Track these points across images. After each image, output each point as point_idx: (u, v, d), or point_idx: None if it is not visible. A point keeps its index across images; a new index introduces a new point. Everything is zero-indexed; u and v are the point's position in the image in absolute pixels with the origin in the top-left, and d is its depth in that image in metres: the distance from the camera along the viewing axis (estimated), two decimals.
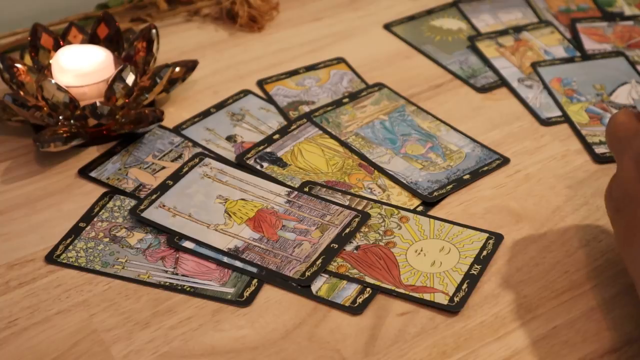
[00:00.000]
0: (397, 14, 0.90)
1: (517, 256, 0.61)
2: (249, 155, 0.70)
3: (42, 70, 0.74)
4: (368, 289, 0.58)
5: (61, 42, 0.76)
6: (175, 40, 0.85)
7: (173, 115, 0.75)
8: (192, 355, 0.54)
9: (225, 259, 0.60)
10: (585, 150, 0.71)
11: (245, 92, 0.78)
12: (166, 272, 0.60)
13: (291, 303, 0.58)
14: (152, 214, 0.64)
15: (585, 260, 0.60)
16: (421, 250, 0.61)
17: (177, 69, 0.76)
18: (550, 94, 0.77)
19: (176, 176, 0.68)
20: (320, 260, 0.60)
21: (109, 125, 0.71)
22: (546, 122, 0.74)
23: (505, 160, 0.69)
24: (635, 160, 0.51)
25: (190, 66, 0.77)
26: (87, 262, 0.61)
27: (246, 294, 0.58)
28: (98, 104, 0.69)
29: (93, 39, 0.77)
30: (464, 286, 0.58)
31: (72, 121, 0.70)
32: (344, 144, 0.71)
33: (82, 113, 0.69)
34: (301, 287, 0.58)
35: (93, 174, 0.69)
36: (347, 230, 0.62)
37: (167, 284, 0.59)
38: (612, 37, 0.84)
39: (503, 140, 0.72)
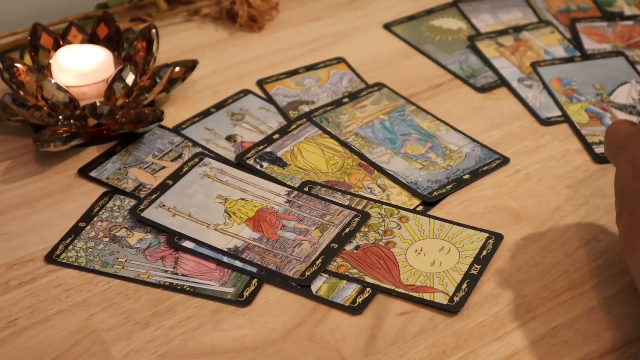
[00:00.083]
0: (397, 14, 0.90)
1: (517, 256, 0.61)
2: (249, 155, 0.70)
3: (42, 70, 0.74)
4: (368, 289, 0.58)
5: (61, 42, 0.76)
6: (175, 40, 0.85)
7: (173, 115, 0.75)
8: (192, 355, 0.54)
9: (225, 259, 0.60)
10: (585, 150, 0.71)
11: (245, 92, 0.78)
12: (166, 272, 0.60)
13: (291, 303, 0.58)
14: (152, 214, 0.64)
15: (585, 260, 0.60)
16: (421, 250, 0.61)
17: (177, 69, 0.76)
18: (550, 94, 0.77)
19: (176, 176, 0.68)
20: (320, 260, 0.60)
21: (109, 125, 0.71)
22: (546, 122, 0.74)
23: (505, 160, 0.69)
24: (632, 163, 0.52)
25: (190, 66, 0.77)
26: (87, 262, 0.61)
27: (246, 294, 0.58)
28: (98, 104, 0.69)
29: (93, 39, 0.77)
30: (464, 286, 0.58)
31: (72, 121, 0.70)
32: (344, 144, 0.71)
33: (82, 113, 0.69)
34: (301, 287, 0.58)
35: (93, 174, 0.69)
36: (347, 230, 0.62)
37: (167, 284, 0.59)
38: (612, 37, 0.84)
39: (503, 140, 0.72)
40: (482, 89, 0.78)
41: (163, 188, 0.66)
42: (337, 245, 0.61)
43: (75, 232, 0.63)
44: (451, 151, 0.70)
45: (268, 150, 0.70)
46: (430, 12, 0.90)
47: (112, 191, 0.67)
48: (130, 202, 0.66)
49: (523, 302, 0.57)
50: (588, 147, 0.71)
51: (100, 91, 0.71)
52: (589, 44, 0.83)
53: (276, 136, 0.72)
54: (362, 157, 0.70)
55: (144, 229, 0.63)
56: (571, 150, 0.71)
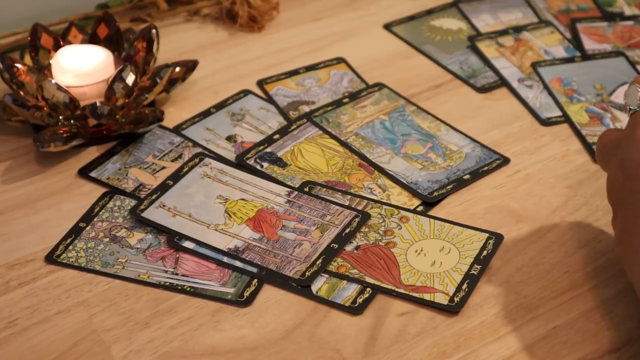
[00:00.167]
0: (397, 14, 0.90)
1: (517, 256, 0.61)
2: (249, 155, 0.70)
3: (42, 70, 0.74)
4: (368, 289, 0.58)
5: (61, 42, 0.76)
6: (175, 40, 0.85)
7: (173, 115, 0.75)
8: (192, 355, 0.54)
9: (225, 259, 0.60)
10: (585, 150, 0.71)
11: (245, 92, 0.78)
12: (166, 272, 0.60)
13: (291, 303, 0.58)
14: (152, 214, 0.64)
15: (585, 260, 0.60)
16: (421, 250, 0.61)
17: (177, 69, 0.76)
18: (550, 94, 0.77)
19: (176, 176, 0.68)
20: (320, 260, 0.60)
21: (109, 125, 0.71)
22: (546, 122, 0.74)
23: (505, 160, 0.69)
24: (620, 166, 0.53)
25: (190, 66, 0.77)
26: (87, 262, 0.61)
27: (246, 294, 0.58)
28: (98, 104, 0.69)
29: (93, 39, 0.77)
30: (464, 286, 0.58)
31: (72, 121, 0.70)
32: (344, 144, 0.71)
33: (82, 113, 0.69)
34: (301, 287, 0.58)
35: (93, 174, 0.69)
36: (347, 230, 0.62)
37: (167, 284, 0.59)
38: (612, 37, 0.84)
39: (503, 140, 0.72)
40: (482, 89, 0.78)
41: (163, 188, 0.66)
42: (337, 245, 0.61)
43: (75, 232, 0.63)
44: (451, 151, 0.70)
45: (268, 150, 0.70)
46: (430, 12, 0.90)
47: (112, 191, 0.67)
48: (130, 202, 0.66)
49: (523, 302, 0.57)
50: (588, 147, 0.71)
51: (100, 91, 0.71)
52: (589, 44, 0.83)
53: (276, 136, 0.72)
54: (362, 157, 0.70)
55: (144, 229, 0.63)
56: (571, 150, 0.71)
